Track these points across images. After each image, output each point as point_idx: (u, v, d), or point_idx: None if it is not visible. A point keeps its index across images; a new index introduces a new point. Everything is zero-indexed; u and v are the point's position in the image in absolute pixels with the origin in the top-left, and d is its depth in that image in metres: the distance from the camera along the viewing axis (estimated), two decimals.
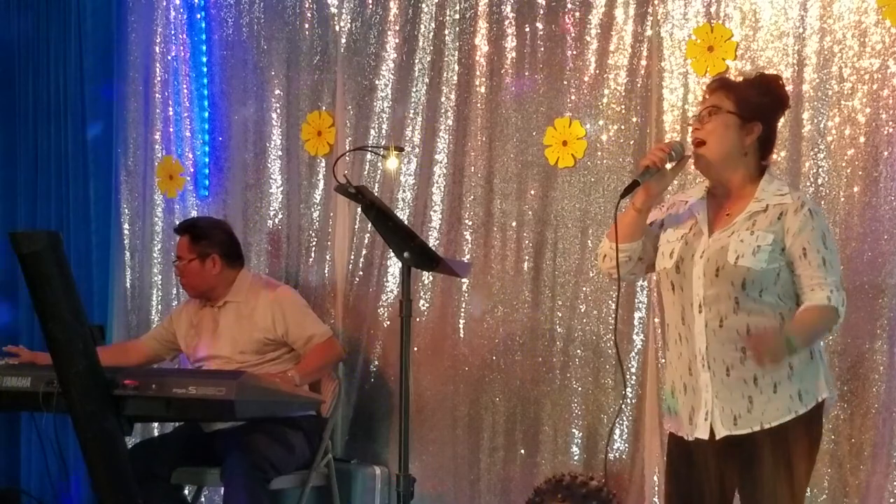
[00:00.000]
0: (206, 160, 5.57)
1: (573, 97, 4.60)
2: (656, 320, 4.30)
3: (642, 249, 3.34)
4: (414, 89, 4.97)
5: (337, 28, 5.20)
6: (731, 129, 3.21)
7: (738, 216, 3.22)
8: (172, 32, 5.63)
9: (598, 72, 4.54)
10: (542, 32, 4.67)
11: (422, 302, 4.90)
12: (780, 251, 3.15)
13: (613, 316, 4.46)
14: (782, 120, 4.07)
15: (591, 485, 4.30)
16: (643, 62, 4.44)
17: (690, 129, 3.35)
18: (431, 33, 4.93)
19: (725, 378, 3.18)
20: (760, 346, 3.09)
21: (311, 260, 5.24)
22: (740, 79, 3.42)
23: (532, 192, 4.69)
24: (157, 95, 5.66)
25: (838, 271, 3.17)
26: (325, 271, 5.20)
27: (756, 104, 3.24)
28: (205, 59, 5.56)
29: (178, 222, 5.57)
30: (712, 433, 3.20)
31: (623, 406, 4.39)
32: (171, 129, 5.63)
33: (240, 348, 4.65)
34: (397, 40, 5.02)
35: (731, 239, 3.18)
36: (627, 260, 3.33)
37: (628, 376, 4.42)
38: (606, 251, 3.37)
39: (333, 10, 5.20)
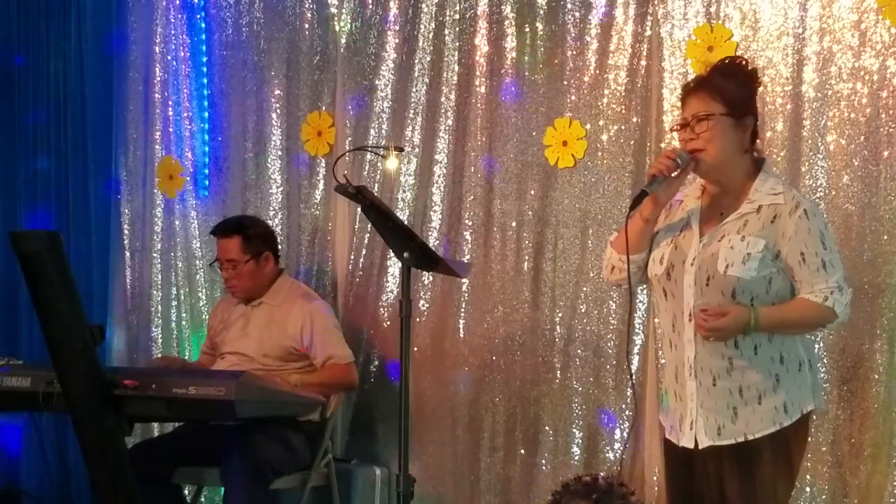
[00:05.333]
0: (206, 160, 5.56)
1: (573, 97, 4.59)
2: (656, 320, 4.30)
3: (649, 258, 3.30)
4: (414, 89, 4.96)
5: (337, 28, 5.20)
6: (729, 131, 3.16)
7: (730, 216, 3.18)
8: (172, 32, 5.63)
9: (598, 72, 4.53)
10: (542, 32, 4.67)
11: (422, 302, 4.90)
12: (772, 257, 3.11)
13: (614, 317, 4.49)
14: (781, 121, 4.10)
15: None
16: (643, 62, 4.43)
17: (676, 135, 3.28)
18: (431, 33, 4.92)
19: (711, 388, 3.16)
20: (711, 321, 3.06)
21: (311, 260, 5.24)
22: (705, 73, 3.31)
23: (532, 192, 4.69)
24: (156, 95, 5.66)
25: (840, 270, 3.14)
26: (326, 271, 5.21)
27: (742, 98, 3.18)
28: (205, 59, 5.55)
29: (177, 223, 5.58)
30: (697, 442, 3.19)
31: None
32: (171, 129, 5.63)
33: (264, 350, 4.65)
34: (397, 40, 5.02)
35: (721, 245, 3.13)
36: (637, 270, 3.29)
37: (628, 376, 4.43)
38: (615, 263, 3.33)
39: (333, 10, 5.20)
